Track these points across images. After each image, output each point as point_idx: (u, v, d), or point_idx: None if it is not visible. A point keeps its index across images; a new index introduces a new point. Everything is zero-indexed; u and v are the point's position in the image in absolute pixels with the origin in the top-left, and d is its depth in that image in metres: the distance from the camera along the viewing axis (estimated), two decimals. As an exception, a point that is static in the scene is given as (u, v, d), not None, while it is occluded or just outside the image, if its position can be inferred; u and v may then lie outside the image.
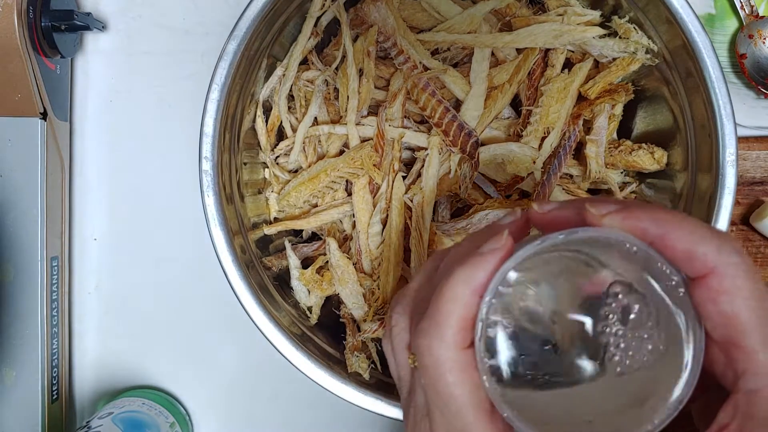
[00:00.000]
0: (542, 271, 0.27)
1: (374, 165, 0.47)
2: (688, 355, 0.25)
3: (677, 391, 0.25)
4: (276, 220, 0.51)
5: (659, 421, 0.25)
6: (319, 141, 0.50)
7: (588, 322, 0.27)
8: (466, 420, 0.26)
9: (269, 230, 0.49)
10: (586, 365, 0.27)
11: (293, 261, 0.49)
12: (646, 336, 0.26)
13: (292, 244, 0.50)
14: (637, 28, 0.45)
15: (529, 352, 0.27)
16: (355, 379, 0.43)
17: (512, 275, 0.27)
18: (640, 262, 0.26)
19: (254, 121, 0.49)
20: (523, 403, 0.26)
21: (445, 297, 0.27)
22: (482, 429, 0.26)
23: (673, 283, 0.26)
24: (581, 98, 0.48)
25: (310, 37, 0.48)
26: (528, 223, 0.31)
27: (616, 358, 0.26)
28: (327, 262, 0.49)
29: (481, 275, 0.27)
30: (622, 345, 0.26)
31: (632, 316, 0.26)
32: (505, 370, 0.27)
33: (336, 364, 0.44)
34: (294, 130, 0.49)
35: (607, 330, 0.26)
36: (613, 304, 0.26)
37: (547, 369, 0.27)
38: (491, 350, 0.27)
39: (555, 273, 0.28)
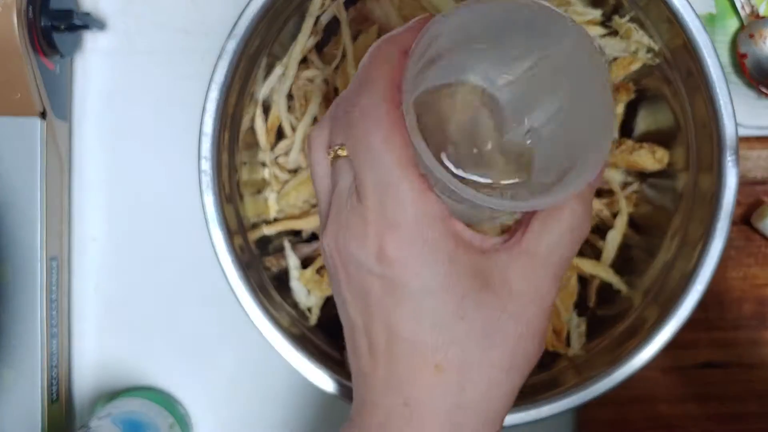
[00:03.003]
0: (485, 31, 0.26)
1: (374, 165, 0.47)
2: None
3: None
4: (275, 220, 0.50)
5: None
6: (319, 141, 0.50)
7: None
8: (394, 175, 0.26)
9: (269, 230, 0.49)
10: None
11: (293, 261, 0.49)
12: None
13: (292, 244, 0.49)
14: (637, 27, 0.45)
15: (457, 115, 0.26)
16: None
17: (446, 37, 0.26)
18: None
19: (254, 120, 0.49)
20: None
21: (373, 57, 0.27)
22: (410, 186, 0.26)
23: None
24: (582, 98, 0.48)
25: (309, 36, 0.48)
26: None
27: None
28: (327, 262, 0.48)
29: (408, 35, 0.26)
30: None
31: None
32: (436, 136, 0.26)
33: (335, 365, 0.44)
34: (294, 130, 0.49)
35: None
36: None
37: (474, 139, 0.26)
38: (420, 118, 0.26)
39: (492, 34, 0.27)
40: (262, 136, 0.49)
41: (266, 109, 0.49)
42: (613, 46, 0.46)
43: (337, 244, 0.28)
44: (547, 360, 0.47)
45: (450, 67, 0.27)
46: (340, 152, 0.28)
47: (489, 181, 0.26)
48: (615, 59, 0.47)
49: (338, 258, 0.28)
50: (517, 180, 0.26)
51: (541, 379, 0.45)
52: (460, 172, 0.26)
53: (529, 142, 0.26)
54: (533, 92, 0.26)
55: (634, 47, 0.46)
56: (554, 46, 0.26)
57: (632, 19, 0.46)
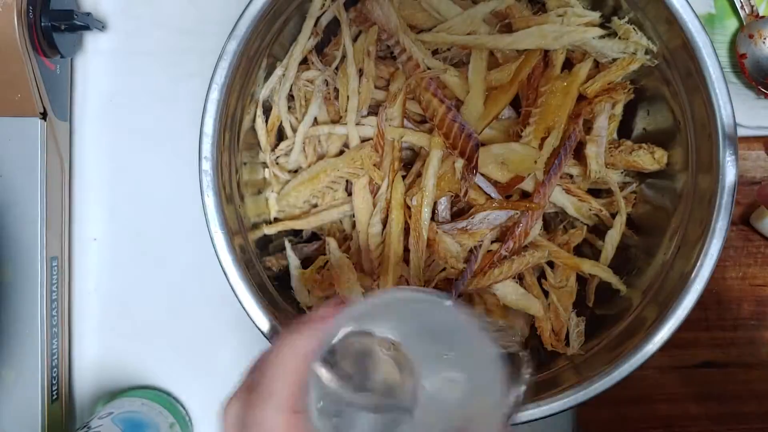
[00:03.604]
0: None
1: (374, 165, 0.47)
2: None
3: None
4: (276, 220, 0.50)
5: None
6: (319, 141, 0.50)
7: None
8: None
9: (269, 230, 0.49)
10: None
11: (293, 261, 0.49)
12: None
13: (292, 244, 0.49)
14: (636, 29, 0.45)
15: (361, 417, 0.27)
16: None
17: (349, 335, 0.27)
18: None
19: (254, 120, 0.49)
20: None
21: (274, 364, 0.27)
22: None
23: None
24: (581, 97, 0.48)
25: (310, 37, 0.48)
26: None
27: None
28: (327, 262, 0.48)
29: (307, 341, 0.27)
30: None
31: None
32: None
33: (336, 364, 0.44)
34: (294, 130, 0.49)
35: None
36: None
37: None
38: (325, 413, 0.27)
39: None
40: (263, 137, 0.49)
41: (267, 110, 0.49)
42: (611, 47, 0.46)
43: None
44: (547, 359, 0.47)
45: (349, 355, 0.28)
46: None
47: None
48: (614, 60, 0.47)
49: None
50: None
51: (541, 379, 0.46)
52: None
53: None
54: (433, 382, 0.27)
55: (632, 48, 0.46)
56: (447, 333, 0.28)
57: (631, 21, 0.46)
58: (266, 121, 0.49)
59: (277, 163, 0.50)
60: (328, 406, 0.26)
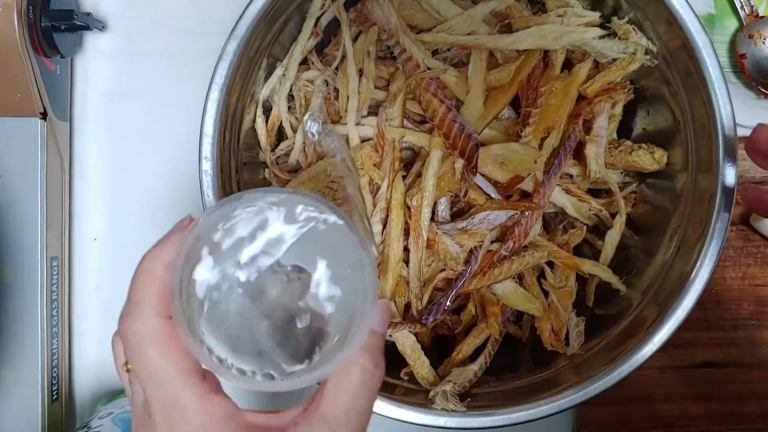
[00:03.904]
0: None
1: (374, 165, 0.47)
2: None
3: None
4: (276, 220, 0.50)
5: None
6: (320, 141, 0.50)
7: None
8: (175, 386, 0.26)
9: (269, 230, 0.49)
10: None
11: (293, 261, 0.49)
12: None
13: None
14: (636, 29, 0.45)
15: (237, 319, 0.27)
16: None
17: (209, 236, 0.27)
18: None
19: (254, 120, 0.49)
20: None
21: (139, 276, 0.28)
22: (193, 394, 0.26)
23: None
24: (580, 97, 0.48)
25: (310, 37, 0.48)
26: None
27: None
28: (327, 262, 0.48)
29: (169, 249, 0.29)
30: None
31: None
32: (212, 334, 0.27)
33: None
34: (294, 130, 0.49)
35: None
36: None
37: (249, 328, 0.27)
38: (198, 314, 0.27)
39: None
40: (263, 137, 0.49)
41: (267, 110, 0.49)
42: (611, 47, 0.46)
43: None
44: (547, 359, 0.47)
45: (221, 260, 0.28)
46: (130, 368, 0.29)
47: (277, 368, 0.27)
48: (614, 60, 0.47)
49: None
50: (301, 366, 0.27)
51: (541, 379, 0.46)
52: (242, 365, 0.27)
53: (307, 320, 0.27)
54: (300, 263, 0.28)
55: (632, 48, 0.46)
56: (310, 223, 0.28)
57: (631, 21, 0.46)
58: (266, 121, 0.49)
59: (277, 163, 0.50)
60: (198, 312, 0.27)
